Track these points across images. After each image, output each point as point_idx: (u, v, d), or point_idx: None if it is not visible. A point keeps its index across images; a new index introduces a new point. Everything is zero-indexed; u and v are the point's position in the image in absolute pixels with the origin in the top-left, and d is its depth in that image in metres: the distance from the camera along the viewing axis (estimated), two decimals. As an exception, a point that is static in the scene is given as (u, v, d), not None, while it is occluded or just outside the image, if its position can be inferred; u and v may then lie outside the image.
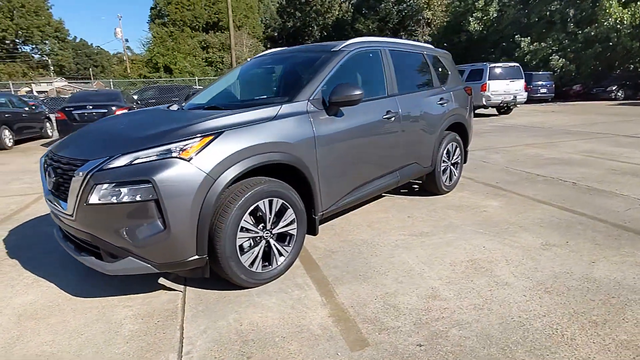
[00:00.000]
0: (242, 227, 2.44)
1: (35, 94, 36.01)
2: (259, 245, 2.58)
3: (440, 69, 4.45)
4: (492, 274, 2.68)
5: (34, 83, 45.81)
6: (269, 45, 41.47)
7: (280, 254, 2.72)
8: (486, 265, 2.81)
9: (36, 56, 52.66)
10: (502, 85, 13.05)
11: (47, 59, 54.24)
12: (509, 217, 3.75)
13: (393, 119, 3.49)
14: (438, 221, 3.72)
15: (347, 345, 2.01)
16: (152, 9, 48.32)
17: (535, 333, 2.04)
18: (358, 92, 2.88)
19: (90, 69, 65.89)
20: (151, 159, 2.18)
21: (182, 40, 42.16)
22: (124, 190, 2.14)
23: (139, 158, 2.18)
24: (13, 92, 21.61)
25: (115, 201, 2.15)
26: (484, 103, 12.84)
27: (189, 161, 2.19)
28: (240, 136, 2.40)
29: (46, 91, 45.82)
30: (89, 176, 2.17)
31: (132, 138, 2.42)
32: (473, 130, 5.05)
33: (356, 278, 2.71)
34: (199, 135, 2.29)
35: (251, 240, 2.56)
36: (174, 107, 3.52)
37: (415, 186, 4.83)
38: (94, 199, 2.17)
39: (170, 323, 2.28)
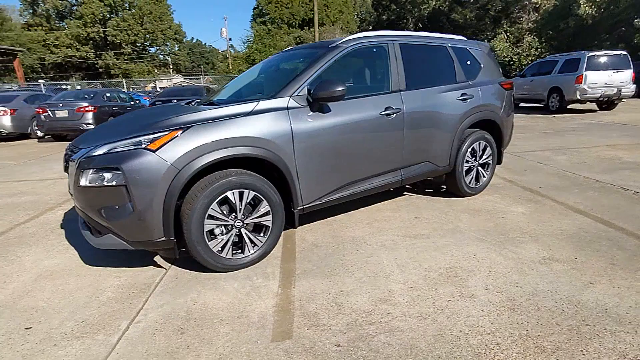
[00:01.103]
0: (209, 215, 2.63)
1: (158, 89, 41.01)
2: (230, 233, 2.75)
3: (468, 62, 4.13)
4: (463, 284, 2.50)
5: (157, 80, 52.17)
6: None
7: (254, 244, 2.86)
8: (463, 274, 2.62)
9: (160, 56, 59.73)
10: (604, 77, 11.35)
11: (167, 58, 61.14)
12: (526, 226, 3.39)
13: (394, 115, 3.38)
14: (443, 224, 3.52)
15: (270, 335, 2.09)
16: (254, 8, 51.43)
17: (464, 350, 1.89)
18: (340, 89, 2.87)
19: (202, 66, 72.54)
20: (124, 149, 2.47)
21: (278, 37, 44.33)
22: (102, 175, 2.47)
23: (116, 148, 2.49)
24: (141, 88, 24.75)
25: (97, 184, 2.49)
26: (579, 97, 11.31)
27: (154, 152, 2.44)
28: (207, 131, 2.58)
29: (166, 87, 51.93)
30: (78, 162, 2.55)
31: (123, 130, 2.75)
32: (511, 129, 4.59)
33: (322, 274, 2.74)
34: (167, 129, 2.53)
35: (223, 227, 2.74)
36: (193, 103, 3.84)
37: (443, 186, 4.57)
38: (82, 181, 2.54)
39: (141, 295, 2.57)
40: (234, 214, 2.75)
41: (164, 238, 2.55)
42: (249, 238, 2.84)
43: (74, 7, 48.99)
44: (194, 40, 79.16)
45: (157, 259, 3.11)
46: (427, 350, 1.91)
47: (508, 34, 31.73)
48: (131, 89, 35.28)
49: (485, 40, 35.67)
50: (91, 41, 48.57)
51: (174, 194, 2.50)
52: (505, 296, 2.34)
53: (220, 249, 2.73)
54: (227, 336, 2.10)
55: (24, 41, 44.18)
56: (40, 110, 11.22)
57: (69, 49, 47.03)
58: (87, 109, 11.17)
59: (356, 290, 2.49)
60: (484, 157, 4.24)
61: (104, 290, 2.66)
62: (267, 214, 2.87)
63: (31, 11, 48.66)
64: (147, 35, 53.75)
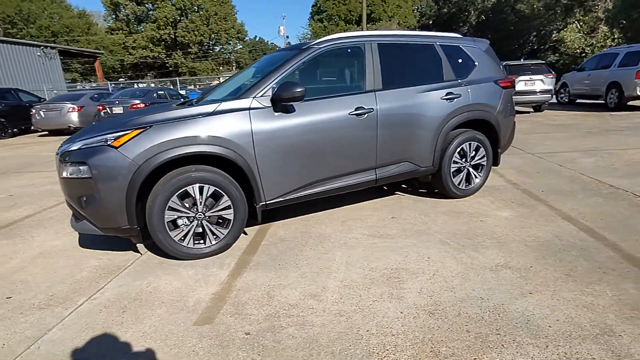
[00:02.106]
0: (170, 207, 2.87)
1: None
2: (191, 225, 2.98)
3: (460, 60, 4.00)
4: (398, 286, 2.51)
5: (220, 77, 54.88)
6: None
7: (215, 235, 3.07)
8: (405, 276, 2.62)
9: (223, 54, 62.60)
10: (671, 71, 10.15)
11: (230, 56, 63.92)
12: (500, 231, 3.26)
13: (366, 115, 3.40)
14: (416, 225, 3.49)
15: (195, 319, 2.27)
16: (313, 6, 52.04)
17: (359, 349, 1.94)
18: (299, 90, 2.97)
19: (262, 63, 74.78)
20: (93, 145, 2.78)
21: (334, 34, 44.59)
22: (76, 168, 2.80)
23: (87, 144, 2.81)
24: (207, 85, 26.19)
25: (72, 177, 2.83)
26: (639, 93, 10.22)
27: (117, 149, 2.72)
28: (166, 130, 2.81)
29: (227, 84, 54.54)
30: (59, 156, 2.91)
31: (103, 127, 3.07)
32: (512, 129, 4.36)
33: (273, 267, 2.87)
34: (131, 128, 2.79)
35: (186, 219, 2.98)
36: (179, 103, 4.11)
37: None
38: (63, 173, 2.89)
39: (108, 276, 2.87)
40: (196, 207, 2.97)
41: (127, 226, 2.84)
42: (210, 230, 3.04)
43: (150, 12, 52.74)
44: (257, 39, 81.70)
45: (140, 246, 3.42)
46: (325, 345, 1.98)
47: (581, 23, 29.20)
48: (196, 86, 37.48)
49: (554, 32, 33.14)
50: (163, 42, 52.02)
51: (135, 187, 2.76)
52: (433, 300, 2.32)
53: (182, 238, 2.97)
54: (159, 317, 2.31)
55: (107, 44, 48.57)
56: (101, 108, 12.39)
57: (144, 50, 50.84)
58: (138, 105, 12.14)
59: (293, 285, 2.60)
60: (476, 158, 4.09)
61: (82, 269, 3.01)
62: (228, 208, 3.05)
63: (114, 16, 53.15)
64: (212, 35, 56.41)
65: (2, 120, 13.02)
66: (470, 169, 4.09)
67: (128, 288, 2.67)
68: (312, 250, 3.10)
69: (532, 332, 1.99)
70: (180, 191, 2.88)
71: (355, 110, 3.36)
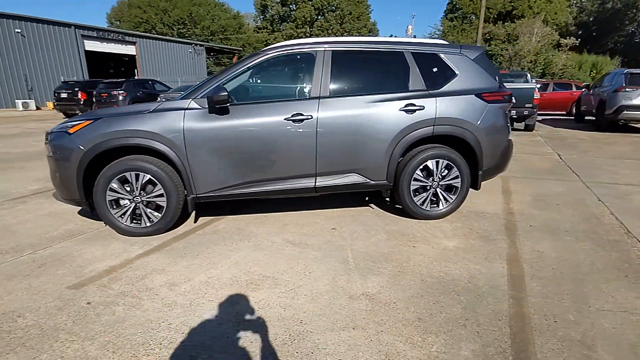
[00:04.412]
0: (110, 188, 3.37)
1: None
2: (128, 206, 3.44)
3: (436, 70, 3.62)
4: (248, 292, 2.55)
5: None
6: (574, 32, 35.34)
7: (149, 218, 3.48)
8: (265, 285, 2.64)
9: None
10: None
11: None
12: (417, 261, 2.96)
13: (304, 122, 3.40)
14: (342, 240, 3.37)
15: (70, 284, 2.70)
16: (448, 4, 49.74)
17: (147, 337, 2.11)
18: (222, 94, 3.18)
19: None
20: (59, 130, 3.43)
21: (465, 33, 41.94)
22: (47, 148, 3.49)
23: (57, 129, 3.47)
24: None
25: (47, 155, 3.53)
26: None
27: (70, 135, 3.31)
28: (110, 123, 3.30)
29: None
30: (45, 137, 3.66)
31: (83, 116, 3.72)
32: (504, 149, 3.75)
33: (177, 254, 3.14)
34: (85, 118, 3.36)
35: (127, 200, 3.46)
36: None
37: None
38: (46, 151, 3.62)
39: (67, 238, 3.51)
40: (133, 191, 3.42)
41: (79, 199, 3.43)
42: (145, 213, 3.46)
43: (291, 12, 57.05)
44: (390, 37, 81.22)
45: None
46: (126, 327, 2.20)
47: None
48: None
49: None
50: (299, 40, 56.03)
51: (82, 168, 3.31)
52: (257, 314, 2.32)
53: (121, 216, 3.45)
54: (52, 277, 2.80)
55: (252, 41, 54.27)
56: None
57: (282, 48, 55.53)
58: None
59: (172, 272, 2.84)
60: (448, 178, 3.69)
61: (57, 229, 3.73)
62: (161, 196, 3.43)
63: (262, 17, 58.99)
64: (344, 34, 58.27)
65: (139, 104, 15.92)
66: (439, 190, 3.72)
67: (65, 250, 3.26)
68: (224, 246, 3.29)
69: (298, 364, 1.88)
70: (119, 176, 3.35)
71: (292, 116, 3.39)
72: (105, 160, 3.38)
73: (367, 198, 4.53)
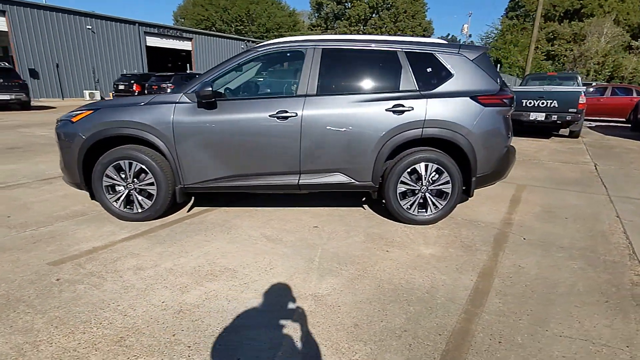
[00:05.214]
0: (106, 175, 3.60)
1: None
2: (122, 192, 3.65)
3: (430, 70, 3.46)
4: (203, 282, 2.62)
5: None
6: None
7: (141, 205, 3.66)
8: (223, 276, 2.70)
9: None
10: None
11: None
12: (386, 266, 2.88)
13: (289, 119, 3.41)
14: (319, 239, 3.34)
15: (52, 260, 2.91)
16: (510, 1, 47.28)
17: (91, 316, 2.24)
18: (207, 89, 3.28)
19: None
20: (64, 119, 3.70)
21: (527, 32, 39.51)
22: (56, 134, 3.77)
23: (63, 118, 3.75)
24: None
25: (55, 140, 3.83)
26: None
27: (73, 123, 3.57)
28: (107, 114, 3.51)
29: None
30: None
31: (90, 105, 3.99)
32: (503, 156, 3.51)
33: (158, 241, 3.28)
34: (87, 108, 3.60)
35: (122, 187, 3.67)
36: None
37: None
38: (55, 138, 3.92)
39: (69, 218, 3.80)
40: (127, 178, 3.62)
41: (79, 182, 3.69)
42: (137, 200, 3.66)
43: (346, 10, 56.95)
44: (449, 36, 78.66)
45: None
46: (77, 305, 2.35)
47: None
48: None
49: None
50: (350, 39, 55.82)
51: (82, 154, 3.56)
52: (202, 301, 2.39)
53: (115, 201, 3.67)
54: (43, 252, 3.04)
55: (306, 39, 54.90)
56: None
57: (331, 46, 55.70)
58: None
59: (145, 257, 2.98)
60: (438, 183, 3.53)
61: (65, 209, 4.04)
62: (152, 184, 3.60)
63: (317, 15, 59.44)
64: (398, 33, 57.22)
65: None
66: (428, 195, 3.57)
67: (63, 228, 3.53)
68: (203, 236, 3.39)
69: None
70: (114, 163, 3.56)
71: (277, 113, 3.41)
72: (104, 148, 3.61)
73: (363, 199, 4.45)
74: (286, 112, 3.41)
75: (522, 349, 1.99)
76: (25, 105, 15.49)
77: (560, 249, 3.17)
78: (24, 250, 3.06)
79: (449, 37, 72.75)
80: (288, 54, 3.60)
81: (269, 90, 3.89)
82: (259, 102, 3.50)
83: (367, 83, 3.55)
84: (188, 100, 3.48)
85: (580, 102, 8.45)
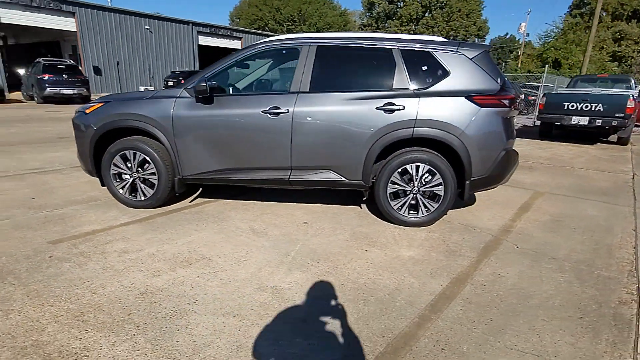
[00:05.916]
0: (114, 163, 3.86)
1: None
2: (128, 180, 3.89)
3: (425, 68, 3.36)
4: (177, 269, 2.74)
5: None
6: None
7: (144, 194, 3.89)
8: (198, 263, 2.81)
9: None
10: None
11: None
12: (358, 266, 2.85)
13: (280, 115, 3.47)
14: (303, 236, 3.37)
15: (52, 240, 3.17)
16: (574, -1, 44.18)
17: (67, 293, 2.44)
18: (202, 84, 3.42)
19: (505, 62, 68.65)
20: (81, 110, 4.00)
21: (589, 31, 36.71)
22: (73, 124, 4.09)
23: (79, 109, 4.05)
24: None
25: (73, 130, 4.15)
26: None
27: (87, 115, 3.85)
28: (115, 107, 3.75)
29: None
30: (76, 114, 4.29)
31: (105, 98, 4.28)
32: (502, 159, 3.32)
33: (152, 228, 3.48)
34: (99, 101, 3.87)
35: (128, 175, 3.91)
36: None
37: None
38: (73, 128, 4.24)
39: (84, 203, 4.12)
40: (131, 167, 3.85)
41: (91, 170, 3.98)
42: (141, 188, 3.88)
43: (397, 9, 56.10)
44: (507, 36, 74.95)
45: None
46: (57, 283, 2.56)
47: None
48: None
49: None
50: (400, 38, 54.92)
51: (93, 143, 3.84)
52: (167, 286, 2.51)
53: (121, 188, 3.92)
54: (46, 232, 3.33)
55: (353, 38, 54.73)
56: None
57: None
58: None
59: (134, 242, 3.17)
60: (430, 185, 3.43)
61: (83, 194, 4.37)
62: (153, 174, 3.81)
63: (368, 14, 59.06)
64: (450, 32, 55.45)
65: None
66: (419, 197, 3.48)
67: (73, 212, 3.83)
68: (194, 225, 3.54)
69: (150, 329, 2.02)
70: (121, 153, 3.81)
71: (270, 109, 3.48)
72: (114, 139, 3.87)
73: (364, 198, 4.40)
74: (278, 108, 3.47)
75: (464, 357, 1.91)
76: (85, 99, 16.79)
77: (552, 260, 2.97)
78: (33, 229, 3.36)
79: (507, 36, 69.27)
80: (284, 51, 3.66)
81: (265, 86, 3.97)
82: (253, 98, 3.59)
83: (360, 81, 3.52)
84: (187, 95, 3.64)
85: (628, 106, 7.75)
